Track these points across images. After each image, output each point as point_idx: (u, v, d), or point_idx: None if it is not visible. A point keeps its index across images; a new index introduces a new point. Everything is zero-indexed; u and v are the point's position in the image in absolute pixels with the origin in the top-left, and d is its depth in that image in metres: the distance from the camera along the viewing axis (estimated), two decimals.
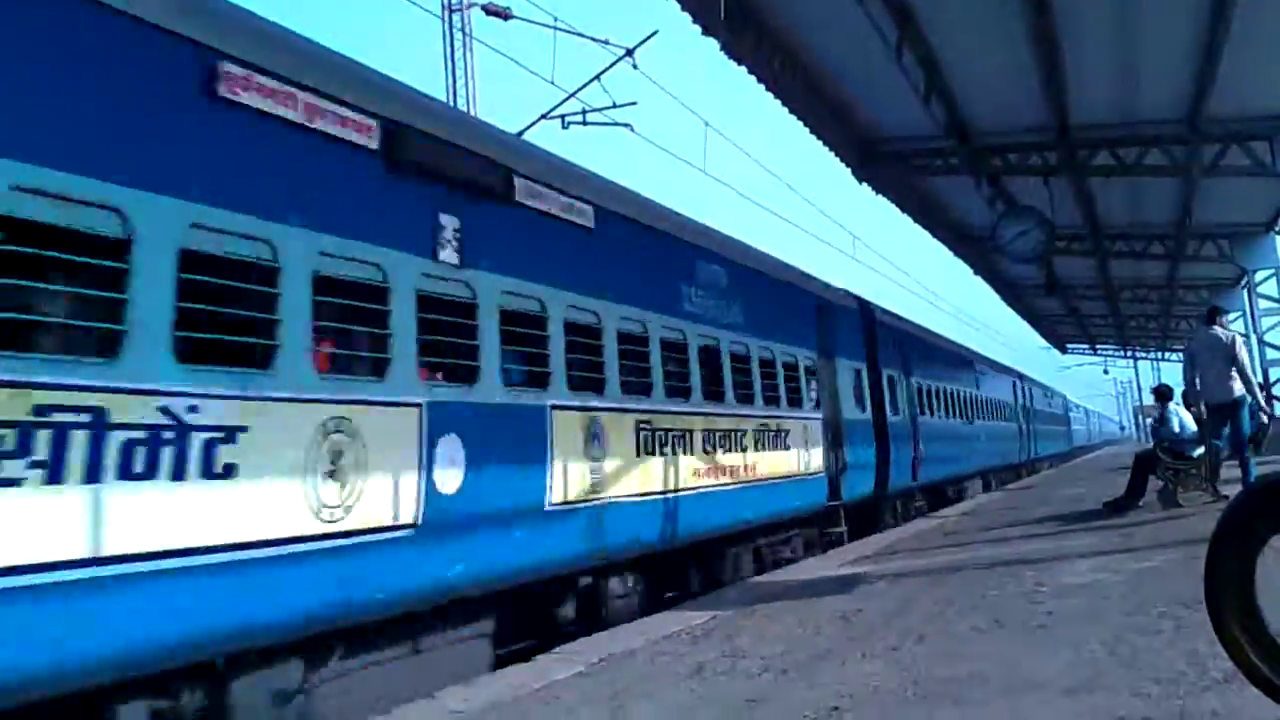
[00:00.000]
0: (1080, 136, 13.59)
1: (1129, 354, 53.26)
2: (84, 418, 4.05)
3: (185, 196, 4.67)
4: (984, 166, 14.86)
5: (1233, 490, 9.54)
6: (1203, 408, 10.93)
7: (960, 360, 24.82)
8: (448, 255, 6.40)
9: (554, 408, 7.34)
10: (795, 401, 12.12)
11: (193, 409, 4.54)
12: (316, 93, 5.55)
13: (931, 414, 19.72)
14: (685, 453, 9.18)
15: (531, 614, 7.47)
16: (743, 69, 11.06)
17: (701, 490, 9.40)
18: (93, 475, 4.05)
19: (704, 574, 9.91)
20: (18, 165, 3.98)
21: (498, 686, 5.67)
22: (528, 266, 7.23)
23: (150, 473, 4.30)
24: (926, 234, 19.74)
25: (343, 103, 5.72)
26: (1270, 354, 21.66)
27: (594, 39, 15.43)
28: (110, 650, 4.12)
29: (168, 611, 4.37)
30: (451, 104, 15.62)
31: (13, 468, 3.79)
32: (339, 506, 5.33)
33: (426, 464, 5.96)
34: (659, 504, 8.68)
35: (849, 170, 15.01)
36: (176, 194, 4.63)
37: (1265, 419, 11.06)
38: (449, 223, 6.46)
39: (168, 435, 4.41)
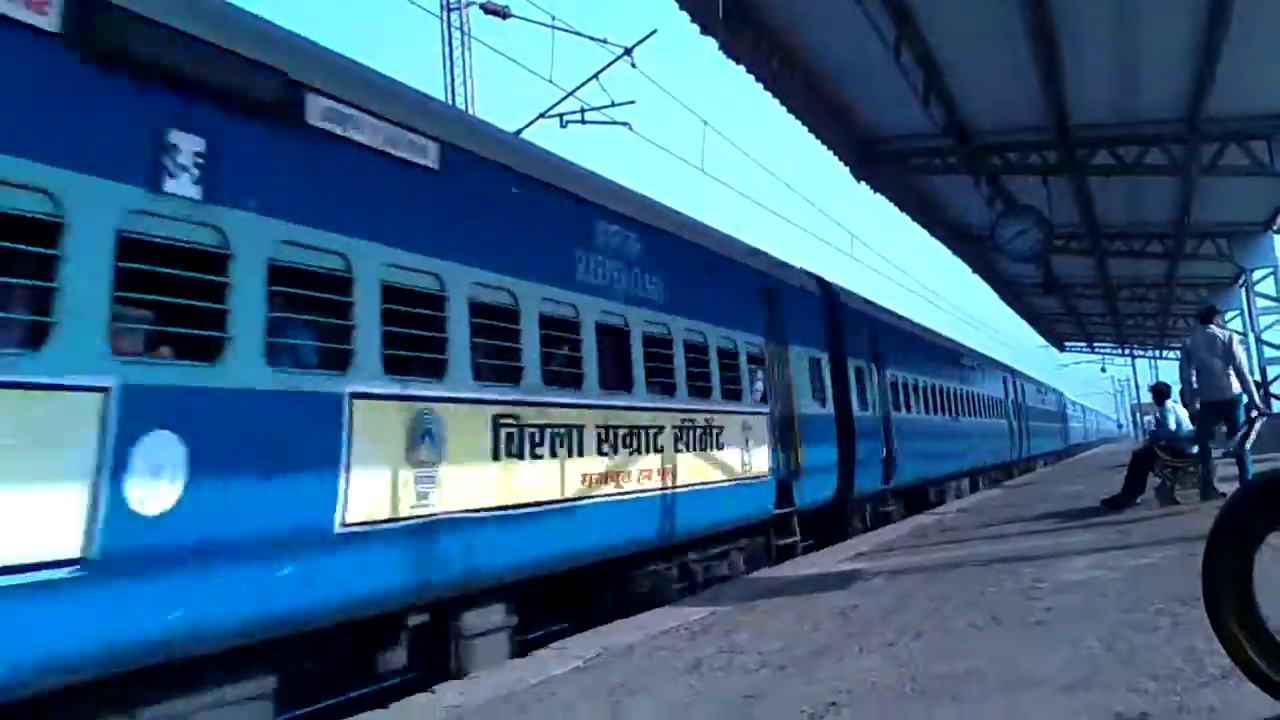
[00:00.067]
0: (1079, 136, 13.61)
1: (1127, 352, 53.32)
2: None
3: None
4: (983, 166, 14.88)
5: (1229, 488, 9.58)
6: (1196, 405, 10.92)
7: (943, 353, 23.22)
8: (180, 186, 4.83)
9: (356, 396, 5.66)
10: (733, 394, 10.54)
11: None
12: None
13: (908, 410, 18.27)
14: (573, 454, 7.54)
15: (331, 664, 5.93)
16: (741, 68, 11.09)
17: (599, 500, 7.82)
18: None
19: (613, 598, 8.46)
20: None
21: (495, 681, 5.68)
22: (325, 211, 5.63)
23: None
24: (925, 233, 19.78)
25: None
26: (1268, 352, 21.72)
27: (592, 38, 15.43)
28: None
29: None
30: (450, 103, 15.63)
31: None
32: None
33: (110, 473, 4.34)
34: (535, 519, 7.03)
35: (848, 169, 15.04)
36: None
37: (1255, 414, 11.05)
38: (185, 144, 4.88)
39: None
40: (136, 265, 4.57)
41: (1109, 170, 14.40)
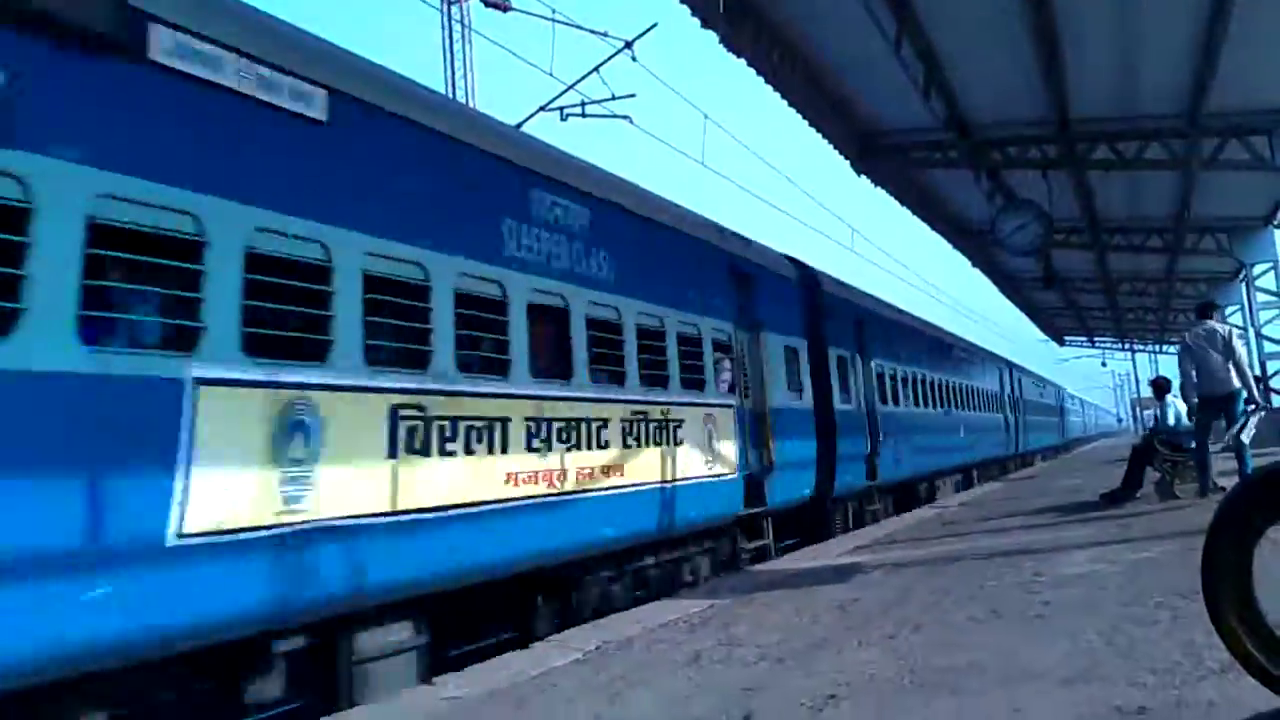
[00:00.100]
0: (1080, 130, 13.61)
1: (1127, 347, 53.36)
2: None
3: None
4: (983, 160, 14.88)
5: (1229, 483, 9.59)
6: (1194, 400, 10.92)
7: (935, 344, 22.12)
8: None
9: (204, 382, 4.81)
10: (695, 384, 9.61)
11: None
12: None
13: (897, 403, 17.41)
14: (497, 451, 6.66)
15: (189, 696, 5.06)
16: (742, 62, 11.07)
17: (530, 502, 6.93)
18: None
19: (553, 610, 7.63)
20: None
21: (495, 674, 5.68)
22: (171, 163, 4.83)
23: None
24: (925, 227, 19.78)
25: None
26: (1268, 347, 21.72)
27: (593, 31, 15.38)
28: None
29: None
30: (450, 96, 15.60)
31: None
32: None
33: None
34: (447, 525, 6.15)
35: (848, 163, 15.03)
36: None
37: (1252, 408, 11.04)
38: None
39: None
40: None
41: (1109, 165, 14.40)
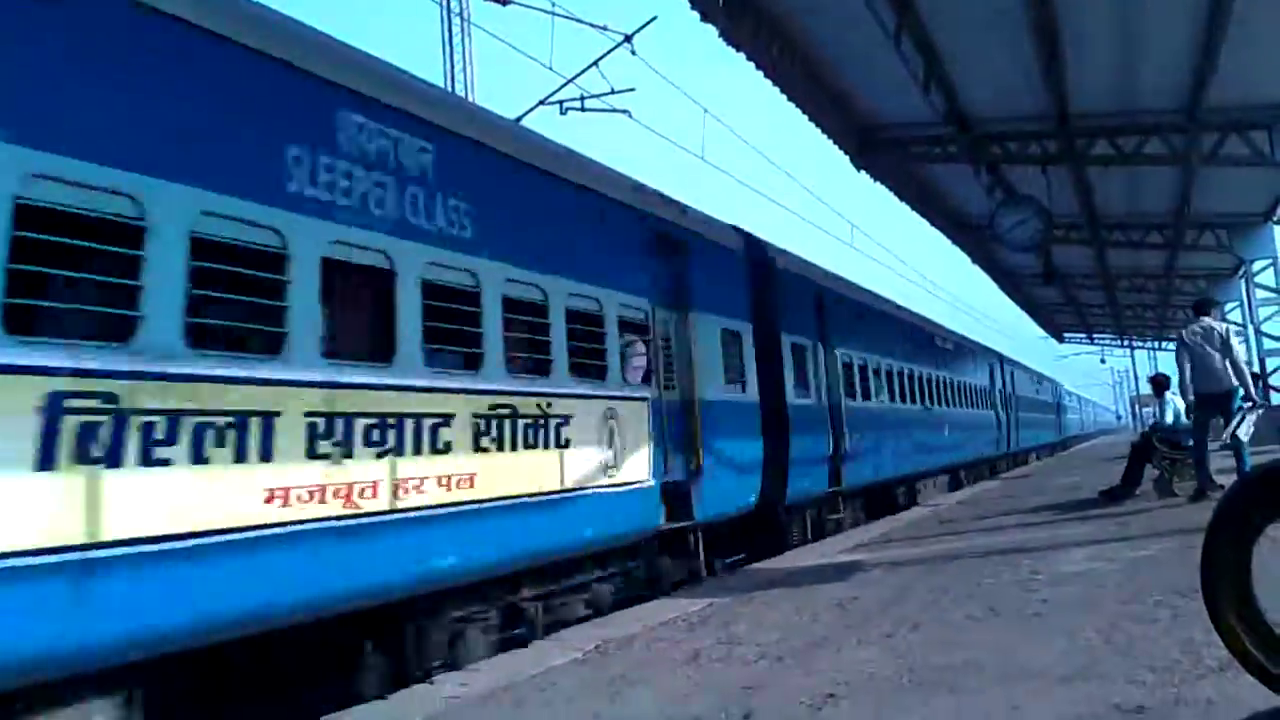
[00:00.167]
0: (1079, 125, 13.59)
1: (1126, 343, 53.38)
2: None
3: None
4: (983, 155, 14.85)
5: (1227, 480, 9.59)
6: (1191, 397, 10.92)
7: (915, 333, 20.46)
8: None
9: None
10: (592, 371, 7.95)
11: None
12: None
13: (868, 397, 15.68)
14: (252, 458, 4.86)
15: None
16: (741, 55, 11.05)
17: (313, 527, 5.17)
18: None
19: (379, 660, 5.96)
20: None
21: (495, 673, 5.68)
22: None
23: None
24: (925, 222, 19.76)
25: None
26: (1267, 344, 21.72)
27: (592, 25, 15.34)
28: None
29: None
30: (449, 89, 15.57)
31: None
32: None
33: None
34: (165, 560, 4.44)
35: (847, 158, 15.01)
36: None
37: (1249, 405, 11.05)
38: None
39: None
40: None
41: (1109, 160, 14.39)
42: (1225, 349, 10.65)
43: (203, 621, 4.67)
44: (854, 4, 9.96)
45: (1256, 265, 21.20)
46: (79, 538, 4.12)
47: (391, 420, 5.80)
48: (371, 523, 5.55)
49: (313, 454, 5.25)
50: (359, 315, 6.03)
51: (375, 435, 5.68)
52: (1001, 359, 31.41)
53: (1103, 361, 70.78)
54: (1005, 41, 10.96)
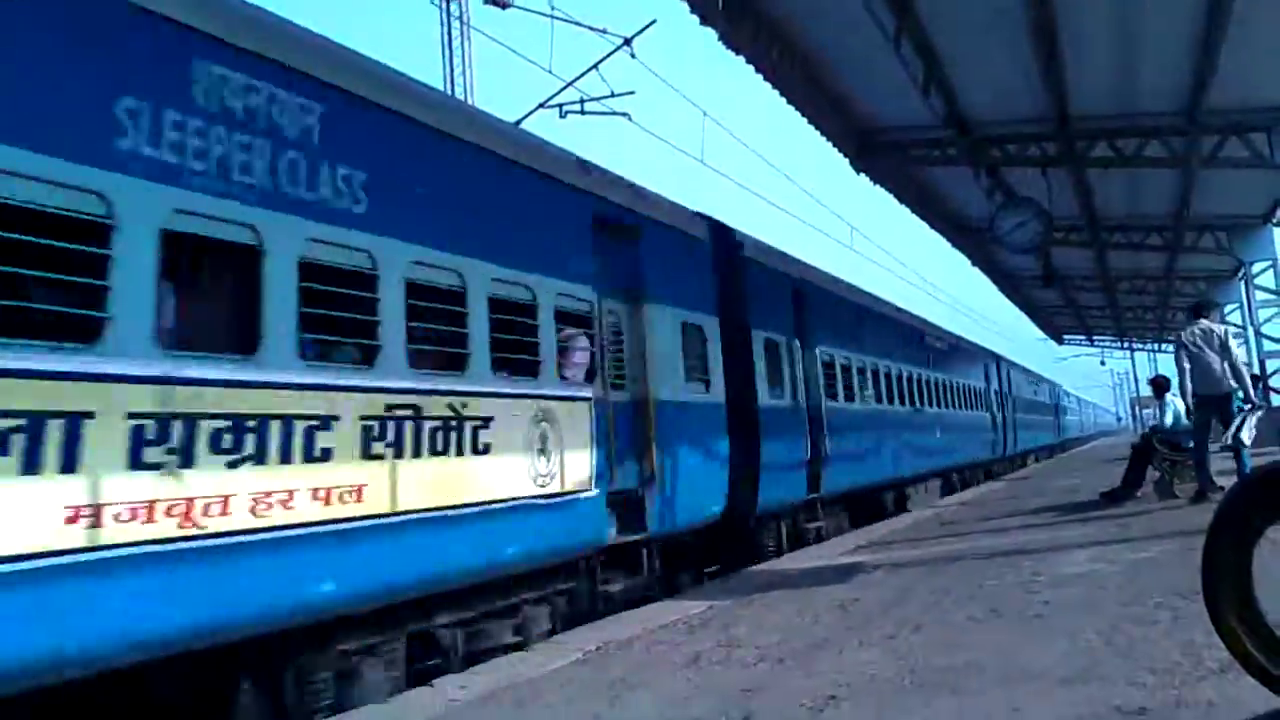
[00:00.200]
0: (1079, 127, 13.60)
1: (1125, 345, 53.38)
2: None
3: None
4: (982, 157, 14.87)
5: (1227, 482, 9.60)
6: (1190, 400, 10.93)
7: (905, 331, 19.64)
8: None
9: None
10: (521, 367, 7.03)
11: None
12: None
13: (851, 398, 14.84)
14: (47, 469, 4.00)
15: None
16: (741, 59, 11.06)
17: (137, 550, 4.30)
18: None
19: (256, 705, 5.18)
20: None
21: (496, 675, 5.68)
22: None
23: None
24: (924, 225, 19.76)
25: None
26: (1267, 345, 21.72)
27: (592, 28, 15.36)
28: None
29: None
30: (449, 93, 15.59)
31: None
32: None
33: None
34: None
35: (847, 161, 15.01)
36: None
37: (1250, 408, 11.06)
38: None
39: None
40: None
41: (1108, 162, 14.40)
42: (1224, 351, 10.67)
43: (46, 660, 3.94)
44: (853, 7, 9.98)
45: (1256, 267, 21.22)
46: None
47: (252, 423, 4.94)
48: (220, 544, 4.67)
49: (138, 464, 4.36)
50: (214, 300, 5.24)
51: (228, 441, 4.80)
52: (997, 359, 30.70)
53: (1102, 363, 70.84)
54: (1005, 44, 10.97)
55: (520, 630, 6.90)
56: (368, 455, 5.54)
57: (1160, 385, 13.99)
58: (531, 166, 7.63)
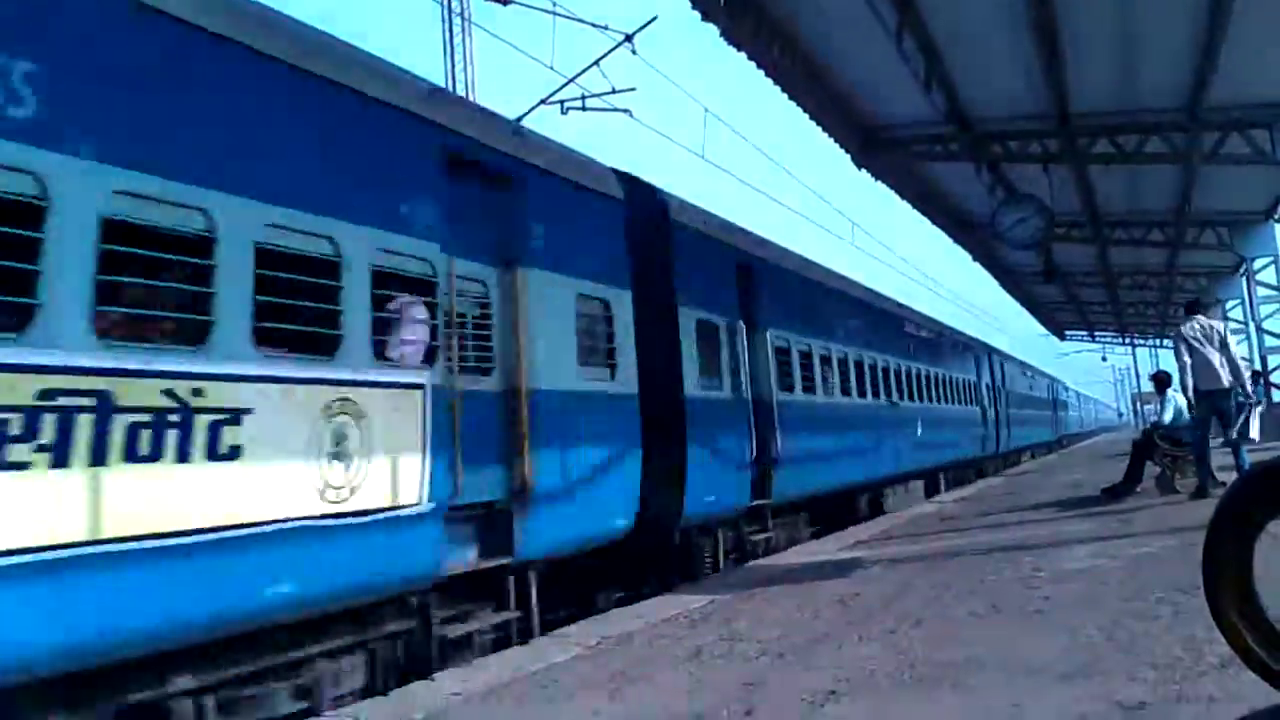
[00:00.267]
0: (1080, 124, 13.58)
1: (1127, 341, 53.32)
2: None
3: None
4: (984, 153, 14.85)
5: (1228, 477, 9.62)
6: (1190, 395, 10.93)
7: (882, 318, 17.93)
8: None
9: None
10: (304, 342, 5.39)
11: None
12: None
13: (811, 390, 13.12)
14: None
15: None
16: (742, 55, 11.04)
17: None
18: None
19: None
20: None
21: (496, 669, 5.70)
22: None
23: None
24: (926, 220, 19.74)
25: None
26: (1269, 341, 21.73)
27: (593, 24, 15.34)
28: None
29: None
30: (450, 89, 15.58)
31: None
32: None
33: None
34: None
35: (849, 157, 14.99)
36: None
37: (1244, 401, 11.10)
38: None
39: None
40: None
41: (1110, 158, 14.39)
42: (1223, 347, 10.71)
43: None
44: (855, 3, 9.96)
45: (1258, 263, 21.23)
46: None
47: None
48: None
49: None
50: None
51: None
52: (989, 351, 29.07)
53: (1104, 359, 70.78)
54: (1006, 40, 10.96)
55: (307, 693, 5.33)
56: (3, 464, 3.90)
57: (1161, 381, 13.98)
58: (340, 82, 5.86)
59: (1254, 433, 10.70)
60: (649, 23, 15.10)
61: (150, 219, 4.59)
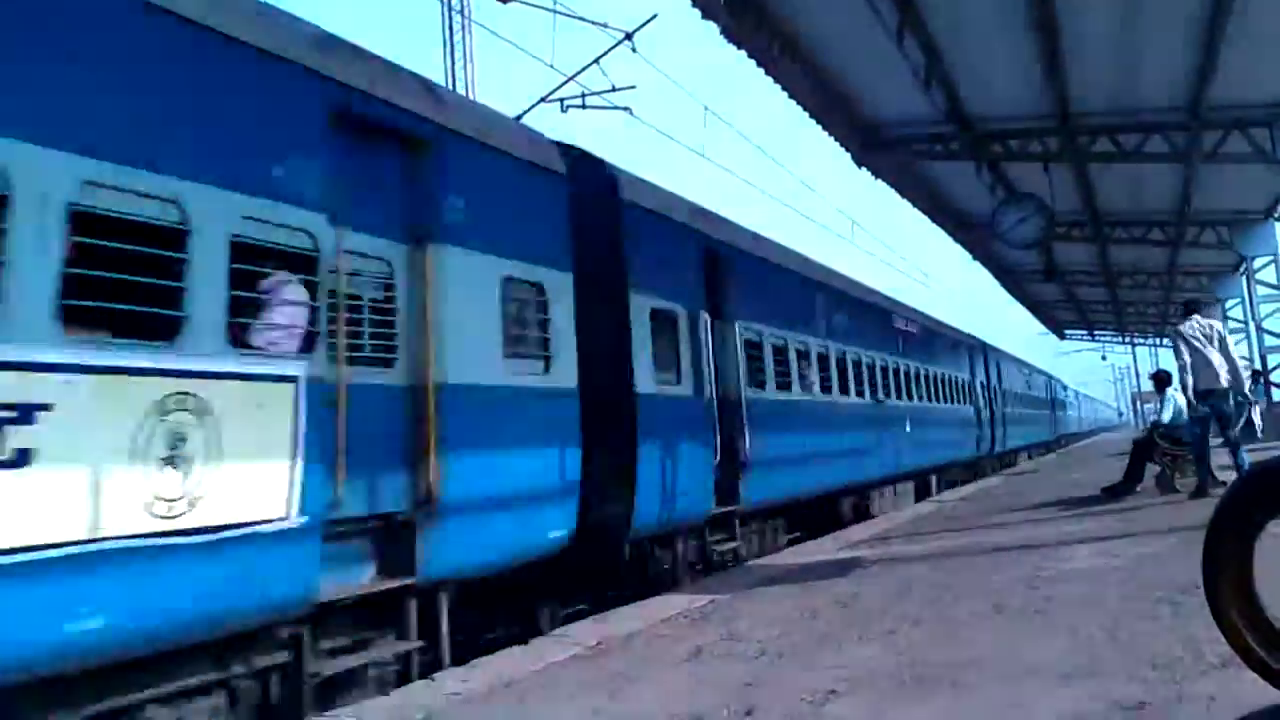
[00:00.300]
0: (1081, 123, 13.58)
1: (1127, 340, 53.33)
2: None
3: None
4: (984, 153, 14.85)
5: (1228, 477, 9.63)
6: (1191, 395, 10.93)
7: (869, 312, 16.99)
8: None
9: None
10: (131, 325, 4.52)
11: None
12: None
13: (787, 387, 12.22)
14: None
15: None
16: (742, 53, 11.04)
17: None
18: None
19: None
20: None
21: (496, 669, 5.69)
22: None
23: None
24: (926, 219, 19.72)
25: None
26: (1269, 340, 21.75)
27: (593, 22, 15.34)
28: None
29: None
30: (450, 87, 15.57)
31: None
32: None
33: None
34: None
35: (849, 155, 14.99)
36: None
37: (1242, 401, 11.12)
38: None
39: None
40: None
41: (1110, 157, 14.38)
42: (1223, 348, 10.74)
43: None
44: (855, 2, 9.96)
45: (1258, 262, 21.26)
46: None
47: None
48: None
49: None
50: None
51: None
52: (985, 347, 27.94)
53: (1103, 358, 70.81)
54: (1007, 39, 10.95)
55: None
56: None
57: (1161, 380, 13.99)
58: (186, 16, 4.90)
59: (1259, 431, 10.73)
60: (649, 21, 15.14)
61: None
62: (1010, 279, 29.02)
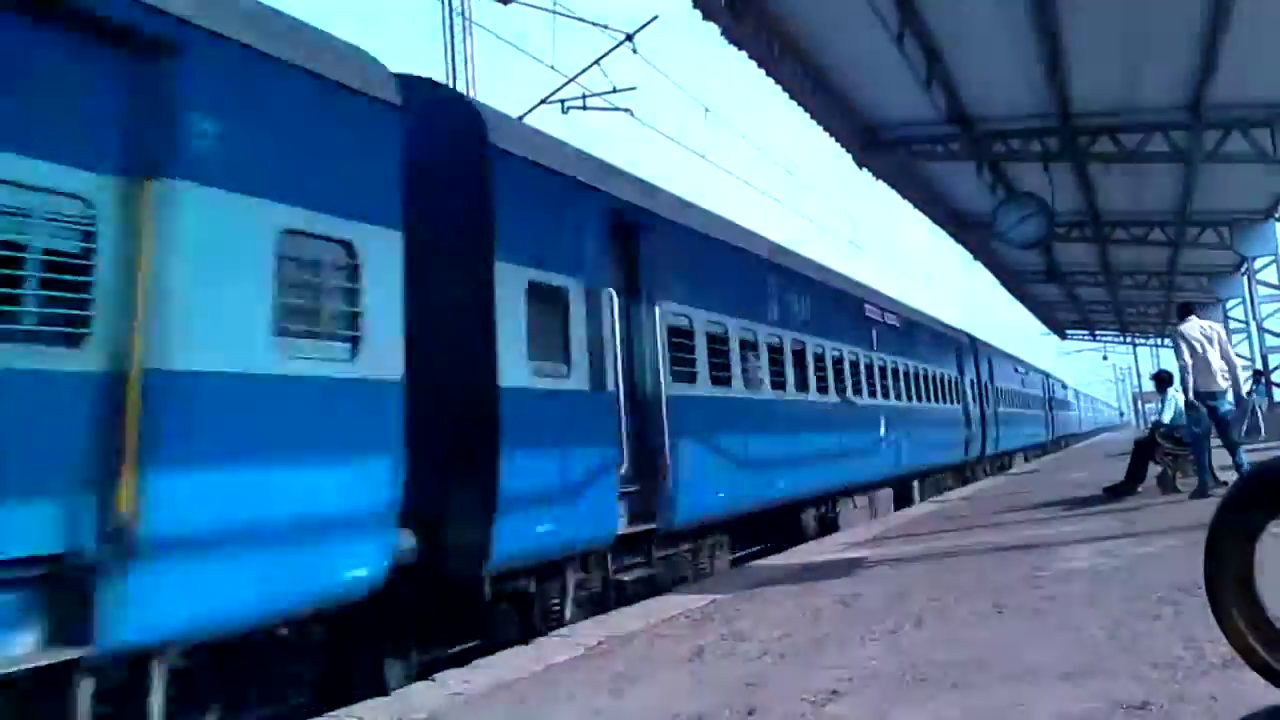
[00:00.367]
0: (1081, 123, 13.59)
1: (1128, 340, 53.33)
2: None
3: None
4: (985, 153, 14.85)
5: (1229, 477, 9.63)
6: (1191, 398, 10.95)
7: (833, 299, 15.08)
8: None
9: None
10: None
11: None
12: None
13: (725, 382, 10.37)
14: None
15: None
16: (743, 54, 11.04)
17: None
18: None
19: None
20: None
21: (498, 669, 5.69)
22: None
23: None
24: (927, 219, 19.73)
25: None
26: (1269, 340, 21.76)
27: (594, 23, 15.36)
28: None
29: None
30: (451, 88, 15.57)
31: None
32: None
33: None
34: None
35: (850, 156, 14.99)
36: None
37: (1239, 401, 11.17)
38: None
39: None
40: None
41: (1111, 157, 14.39)
42: (1223, 350, 10.79)
43: None
44: (856, 2, 9.96)
45: (1258, 262, 21.25)
46: None
47: None
48: None
49: None
50: None
51: None
52: (975, 343, 26.11)
53: (1104, 358, 70.81)
54: (1007, 39, 10.95)
55: None
56: None
57: (1162, 380, 14.00)
58: None
59: (1262, 430, 10.78)
60: (649, 22, 15.16)
61: None
62: (1011, 280, 29.02)
